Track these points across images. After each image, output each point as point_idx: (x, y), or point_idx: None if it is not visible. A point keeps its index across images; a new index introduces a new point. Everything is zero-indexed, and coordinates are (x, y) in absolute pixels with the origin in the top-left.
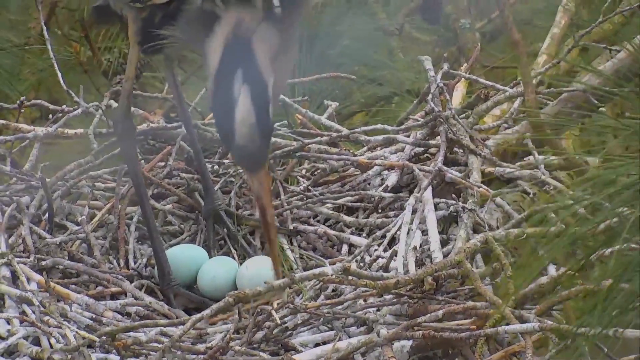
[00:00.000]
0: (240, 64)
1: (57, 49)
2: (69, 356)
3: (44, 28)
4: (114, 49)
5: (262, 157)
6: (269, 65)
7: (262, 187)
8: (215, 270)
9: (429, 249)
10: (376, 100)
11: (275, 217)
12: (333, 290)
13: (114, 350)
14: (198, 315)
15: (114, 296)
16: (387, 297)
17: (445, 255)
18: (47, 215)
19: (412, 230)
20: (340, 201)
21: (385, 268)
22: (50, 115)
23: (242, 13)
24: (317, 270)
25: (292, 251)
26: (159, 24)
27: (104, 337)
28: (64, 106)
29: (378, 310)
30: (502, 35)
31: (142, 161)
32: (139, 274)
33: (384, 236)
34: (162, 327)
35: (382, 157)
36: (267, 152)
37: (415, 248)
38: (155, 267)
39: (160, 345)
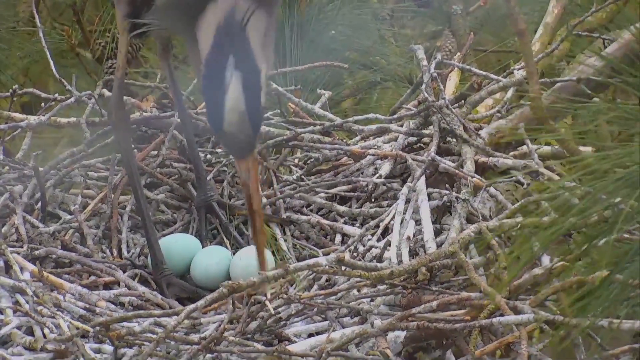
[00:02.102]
0: (232, 51)
1: (48, 32)
2: (63, 346)
3: (36, 15)
4: (107, 33)
5: (251, 145)
6: (261, 52)
7: (250, 173)
8: (209, 259)
9: (422, 239)
10: (368, 85)
11: (268, 206)
12: (327, 281)
13: (108, 341)
14: (192, 306)
15: (107, 286)
16: (381, 287)
17: (438, 246)
18: (39, 204)
19: (405, 220)
20: (333, 190)
21: (379, 258)
22: (43, 104)
23: None
24: (311, 261)
25: (285, 240)
26: (141, 6)
27: (97, 327)
28: (56, 95)
29: (372, 300)
30: (492, 19)
31: (135, 150)
32: (132, 263)
33: (377, 226)
34: (156, 318)
35: (375, 147)
36: (256, 139)
37: (408, 238)
38: (149, 257)
39: (154, 336)
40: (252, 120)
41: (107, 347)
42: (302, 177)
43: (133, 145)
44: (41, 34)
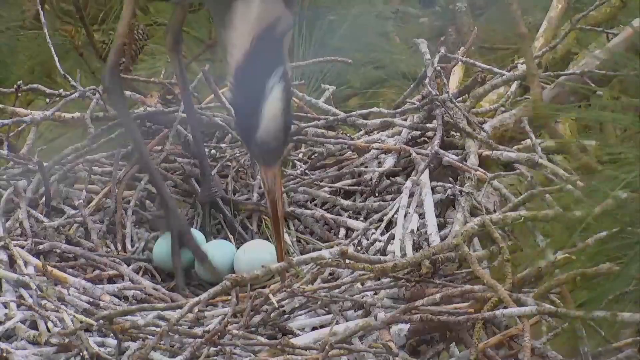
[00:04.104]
0: (273, 61)
1: (53, 32)
2: (67, 340)
3: (41, 12)
4: (110, 31)
5: (280, 152)
6: (288, 60)
7: (275, 181)
8: (213, 253)
9: (426, 233)
10: (372, 83)
11: None
12: (330, 274)
13: (112, 334)
14: (195, 299)
15: (111, 280)
16: (385, 280)
17: (442, 239)
18: (44, 199)
19: (409, 213)
20: (338, 185)
21: (383, 251)
22: (47, 100)
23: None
24: (314, 254)
25: (290, 235)
26: None
27: (101, 321)
28: (60, 90)
29: (375, 293)
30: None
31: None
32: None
33: (381, 220)
34: (159, 311)
35: (379, 141)
36: (284, 148)
37: (412, 231)
38: (153, 250)
39: (157, 329)
40: (285, 129)
41: (111, 341)
42: (307, 171)
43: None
44: (45, 30)
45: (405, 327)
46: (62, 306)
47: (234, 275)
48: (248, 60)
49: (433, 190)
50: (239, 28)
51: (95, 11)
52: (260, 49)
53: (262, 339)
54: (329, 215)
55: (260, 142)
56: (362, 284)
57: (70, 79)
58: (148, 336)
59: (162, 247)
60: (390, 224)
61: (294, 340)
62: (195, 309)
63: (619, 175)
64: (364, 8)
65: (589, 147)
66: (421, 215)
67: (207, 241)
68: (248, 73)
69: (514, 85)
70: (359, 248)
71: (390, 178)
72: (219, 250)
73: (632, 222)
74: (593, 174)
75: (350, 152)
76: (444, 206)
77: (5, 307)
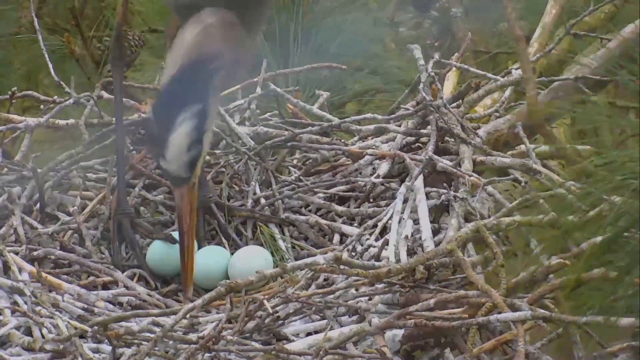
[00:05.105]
0: (192, 96)
1: (48, 38)
2: (61, 346)
3: (35, 19)
4: (106, 37)
5: (185, 180)
6: (219, 95)
7: (183, 200)
8: (207, 259)
9: (420, 238)
10: (368, 89)
11: (267, 207)
12: (324, 280)
13: (106, 340)
14: (190, 305)
15: (105, 286)
16: (379, 286)
17: (436, 244)
18: (38, 205)
19: (403, 219)
20: (332, 191)
21: (377, 257)
22: (42, 106)
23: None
24: (308, 260)
25: (284, 241)
26: None
27: (95, 327)
28: (55, 97)
29: (370, 299)
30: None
31: (133, 152)
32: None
33: (375, 225)
34: (154, 317)
35: (374, 147)
36: (192, 175)
37: (406, 237)
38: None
39: (152, 335)
40: (189, 163)
41: (106, 347)
42: (301, 177)
43: (131, 148)
44: (40, 37)
45: (399, 332)
46: (57, 312)
47: (228, 281)
48: (170, 85)
49: (427, 195)
50: (175, 51)
51: (91, 17)
52: (184, 78)
53: (257, 345)
54: (323, 221)
55: (163, 168)
56: (357, 290)
57: (64, 85)
58: (142, 342)
59: (156, 253)
60: (385, 230)
61: (289, 346)
62: (190, 315)
63: (615, 178)
64: (360, 15)
65: (584, 152)
66: (415, 221)
67: (200, 247)
68: (166, 98)
69: (508, 91)
70: (353, 254)
71: (385, 184)
72: (213, 257)
73: (631, 226)
74: (588, 178)
75: (344, 158)
76: (438, 212)
77: (0, 314)
